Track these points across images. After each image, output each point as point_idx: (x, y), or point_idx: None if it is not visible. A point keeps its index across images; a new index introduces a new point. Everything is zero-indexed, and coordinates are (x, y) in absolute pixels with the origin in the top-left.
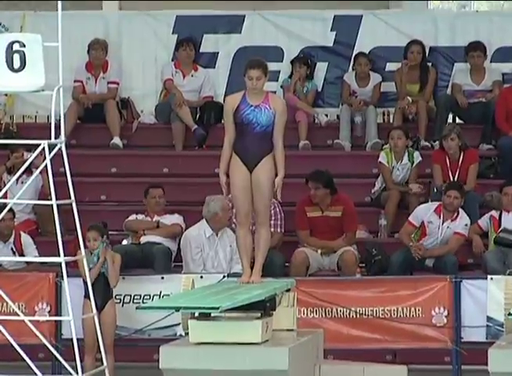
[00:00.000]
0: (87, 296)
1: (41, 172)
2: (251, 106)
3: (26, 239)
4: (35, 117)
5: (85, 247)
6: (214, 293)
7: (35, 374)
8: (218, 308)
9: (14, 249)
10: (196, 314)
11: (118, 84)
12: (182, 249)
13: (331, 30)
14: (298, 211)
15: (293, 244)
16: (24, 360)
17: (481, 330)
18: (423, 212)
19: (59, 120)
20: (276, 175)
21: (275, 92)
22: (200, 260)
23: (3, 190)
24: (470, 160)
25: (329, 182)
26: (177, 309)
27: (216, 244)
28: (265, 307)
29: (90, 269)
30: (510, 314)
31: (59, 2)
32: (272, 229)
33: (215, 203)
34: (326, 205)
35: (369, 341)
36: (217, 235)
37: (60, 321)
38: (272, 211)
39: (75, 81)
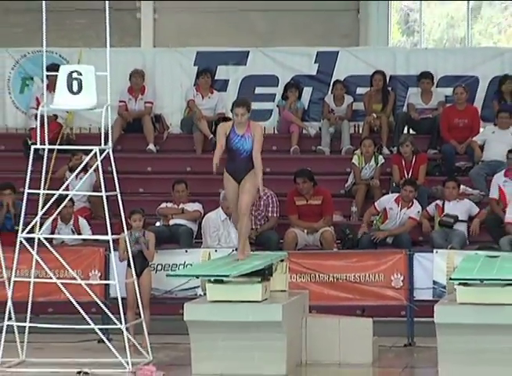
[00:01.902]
0: (129, 265)
1: (94, 170)
2: (238, 135)
3: (82, 222)
4: (89, 128)
5: (128, 228)
6: (225, 263)
7: (89, 324)
8: (228, 275)
9: (73, 229)
10: (212, 279)
11: (152, 103)
12: (202, 228)
13: (315, 62)
14: (288, 200)
15: (285, 225)
16: (80, 314)
17: (429, 291)
18: (386, 201)
19: (108, 131)
20: None
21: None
22: (215, 237)
23: (65, 184)
24: (421, 162)
25: (312, 177)
26: (197, 277)
27: (229, 225)
28: (264, 273)
29: (132, 245)
30: (450, 279)
31: (108, 41)
32: (270, 215)
33: None
34: (310, 195)
35: (343, 299)
36: (229, 219)
37: (108, 284)
38: (270, 201)
39: (120, 102)
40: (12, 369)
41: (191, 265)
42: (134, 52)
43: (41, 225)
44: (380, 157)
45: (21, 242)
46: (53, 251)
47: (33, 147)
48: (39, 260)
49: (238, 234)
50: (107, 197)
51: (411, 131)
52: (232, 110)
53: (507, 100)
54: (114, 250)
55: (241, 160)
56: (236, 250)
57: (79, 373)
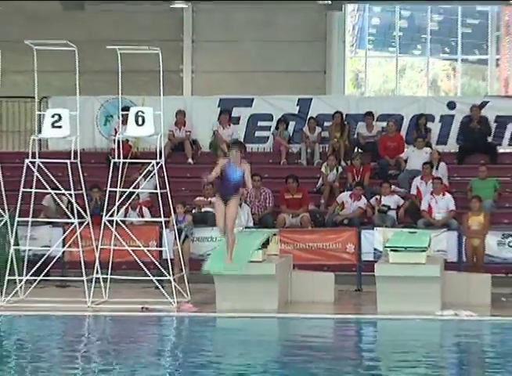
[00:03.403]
0: (175, 238)
1: (155, 175)
2: (231, 168)
3: (145, 209)
4: (149, 148)
5: (174, 212)
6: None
7: (149, 276)
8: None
9: (138, 214)
10: None
11: (190, 132)
12: None
13: (297, 105)
14: (280, 195)
15: (278, 212)
16: (143, 269)
17: (371, 254)
18: (343, 196)
19: (161, 150)
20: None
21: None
22: None
23: (134, 184)
24: (366, 171)
25: (297, 179)
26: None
27: (239, 212)
28: (263, 243)
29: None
30: (385, 247)
31: (161, 91)
32: (267, 205)
33: None
34: (294, 192)
35: (315, 260)
36: (240, 206)
37: (161, 250)
38: (268, 196)
39: (169, 131)
40: (99, 305)
41: (216, 238)
42: (178, 99)
43: (118, 211)
44: (339, 167)
45: (105, 223)
46: (126, 229)
47: (112, 161)
48: (116, 234)
49: (228, 245)
50: (161, 193)
51: (360, 150)
52: (229, 150)
53: (422, 130)
54: (166, 228)
55: (231, 187)
56: (246, 228)
57: (142, 308)
